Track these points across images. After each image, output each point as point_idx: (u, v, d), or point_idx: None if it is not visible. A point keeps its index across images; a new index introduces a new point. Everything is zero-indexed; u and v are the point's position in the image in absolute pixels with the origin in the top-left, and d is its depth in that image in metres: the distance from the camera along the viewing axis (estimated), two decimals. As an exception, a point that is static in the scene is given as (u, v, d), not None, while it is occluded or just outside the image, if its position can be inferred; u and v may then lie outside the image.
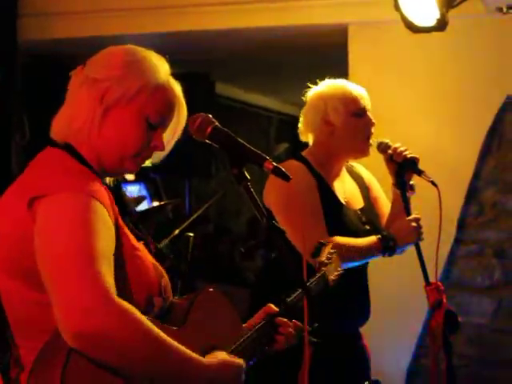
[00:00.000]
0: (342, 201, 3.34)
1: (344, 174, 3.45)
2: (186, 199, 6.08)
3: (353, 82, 3.42)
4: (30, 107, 5.73)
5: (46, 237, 1.85)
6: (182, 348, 1.89)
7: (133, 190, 6.27)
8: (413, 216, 3.29)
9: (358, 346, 3.41)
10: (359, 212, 3.38)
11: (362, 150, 3.36)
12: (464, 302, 4.51)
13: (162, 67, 2.09)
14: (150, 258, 2.05)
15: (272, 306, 2.34)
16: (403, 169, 3.31)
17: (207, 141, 2.15)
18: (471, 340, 4.50)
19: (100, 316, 1.75)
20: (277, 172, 2.05)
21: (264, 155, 2.09)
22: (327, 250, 2.73)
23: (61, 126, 2.05)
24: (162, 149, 2.11)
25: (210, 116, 2.16)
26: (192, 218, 4.65)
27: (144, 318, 1.82)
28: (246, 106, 9.02)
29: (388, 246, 3.24)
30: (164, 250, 4.19)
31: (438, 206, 3.14)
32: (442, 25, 3.94)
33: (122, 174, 2.14)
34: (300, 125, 3.41)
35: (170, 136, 2.16)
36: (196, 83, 5.40)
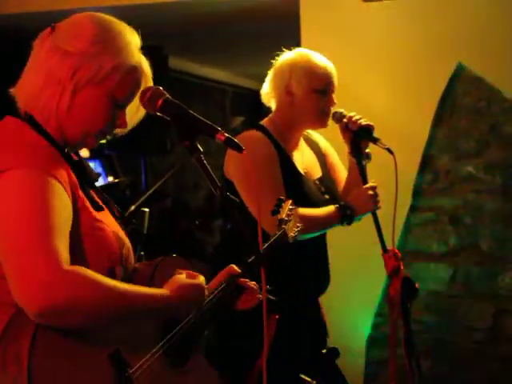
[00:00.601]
0: (302, 171, 3.34)
1: (301, 142, 3.46)
2: (143, 175, 6.05)
3: (309, 50, 3.41)
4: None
5: (1, 212, 1.84)
6: (143, 288, 1.95)
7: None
8: (369, 184, 3.31)
9: (316, 313, 3.42)
10: (318, 182, 3.39)
11: (319, 124, 3.38)
12: (420, 269, 4.54)
13: (135, 45, 2.06)
14: (112, 227, 2.05)
15: (234, 266, 2.37)
16: (358, 137, 3.32)
17: (158, 113, 2.13)
18: (428, 306, 4.54)
19: (57, 289, 1.77)
20: (229, 143, 2.04)
21: (216, 126, 2.08)
22: (286, 206, 2.74)
23: (25, 93, 2.02)
24: (125, 127, 2.11)
25: (161, 88, 2.14)
26: (148, 193, 4.62)
27: (98, 275, 1.85)
28: (200, 79, 8.97)
29: (346, 215, 3.26)
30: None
31: (393, 173, 3.16)
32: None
33: (80, 148, 2.13)
34: (264, 88, 3.40)
35: (133, 112, 2.15)
36: (149, 57, 5.35)
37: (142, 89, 2.10)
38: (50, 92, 1.99)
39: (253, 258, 2.37)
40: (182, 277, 2.08)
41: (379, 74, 4.70)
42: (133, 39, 2.06)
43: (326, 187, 3.41)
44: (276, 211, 2.72)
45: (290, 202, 2.78)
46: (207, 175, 2.05)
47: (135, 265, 2.15)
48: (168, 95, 2.12)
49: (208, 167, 2.06)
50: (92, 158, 6.35)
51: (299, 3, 4.83)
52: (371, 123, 3.31)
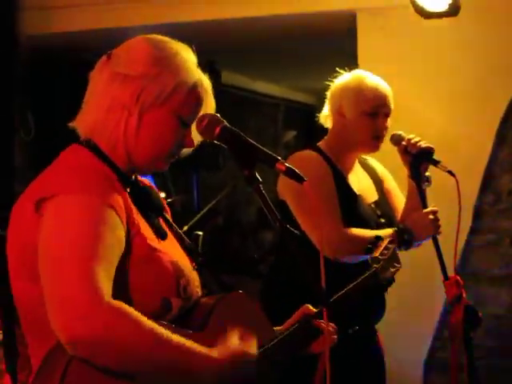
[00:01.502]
0: (357, 192, 3.27)
1: (357, 166, 3.40)
2: (195, 193, 6.01)
3: (366, 72, 3.35)
4: (35, 103, 5.65)
5: (48, 238, 1.82)
6: (186, 341, 1.84)
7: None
8: (430, 208, 3.20)
9: (373, 347, 3.32)
10: (373, 205, 3.31)
11: (370, 148, 3.32)
12: (481, 293, 4.42)
13: (192, 62, 2.03)
14: (173, 256, 1.98)
15: (309, 306, 2.25)
16: (418, 160, 3.23)
17: (216, 141, 2.07)
18: (489, 331, 4.41)
19: (94, 321, 1.72)
20: (289, 173, 1.97)
21: (276, 156, 2.01)
22: (383, 244, 2.62)
23: (88, 123, 2.00)
24: (193, 146, 2.07)
25: (218, 115, 2.08)
26: (201, 214, 4.57)
27: (139, 316, 1.78)
28: (252, 94, 8.95)
29: (404, 240, 3.15)
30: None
31: (453, 196, 3.05)
32: (454, 9, 3.84)
33: (151, 172, 2.10)
34: (324, 109, 3.38)
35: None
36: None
37: (203, 104, 2.06)
38: (116, 119, 1.97)
39: (335, 297, 2.26)
40: (233, 340, 1.96)
41: (439, 93, 4.61)
42: (189, 57, 2.03)
43: (382, 211, 3.32)
44: (369, 249, 2.62)
45: (388, 240, 2.65)
46: (266, 206, 1.99)
47: (200, 298, 2.07)
48: (225, 122, 2.06)
49: (267, 197, 2.00)
50: (144, 174, 6.33)
51: (356, 19, 4.75)
52: (431, 145, 3.21)
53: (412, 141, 3.22)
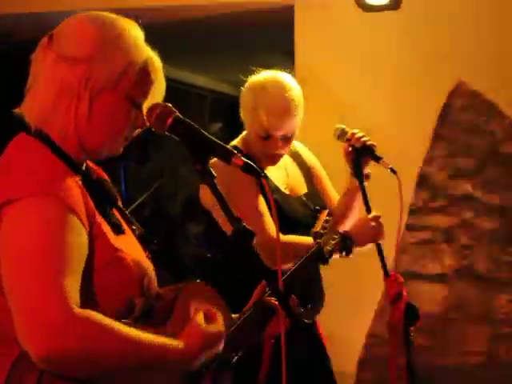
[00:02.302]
0: (283, 189, 3.18)
1: (284, 157, 3.26)
2: (122, 184, 5.89)
3: (276, 79, 3.13)
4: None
5: (9, 248, 1.73)
6: (158, 338, 1.80)
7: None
8: (373, 214, 3.15)
9: (315, 335, 3.27)
10: (304, 198, 3.23)
11: (265, 162, 3.16)
12: (415, 290, 4.43)
13: (141, 39, 1.94)
14: (133, 253, 1.91)
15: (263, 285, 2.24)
16: (361, 155, 3.18)
17: (167, 133, 1.97)
18: (421, 329, 4.42)
19: (64, 333, 1.65)
20: (247, 168, 1.89)
21: (231, 149, 1.93)
22: (322, 217, 2.58)
23: (36, 110, 1.89)
24: (145, 126, 1.97)
25: (170, 105, 1.98)
26: (133, 206, 4.47)
27: (109, 321, 1.72)
28: (179, 84, 8.85)
29: (346, 246, 3.09)
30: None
31: (390, 193, 3.02)
32: (395, 2, 3.82)
33: (103, 157, 1.98)
34: None
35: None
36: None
37: (155, 83, 1.97)
38: (65, 105, 1.87)
39: (284, 277, 2.22)
40: (200, 322, 1.91)
41: (376, 87, 4.59)
42: (138, 34, 1.94)
43: (314, 203, 3.25)
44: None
45: (326, 212, 2.62)
46: (220, 203, 1.90)
47: (159, 290, 2.01)
48: (178, 113, 1.97)
49: (221, 193, 1.92)
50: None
51: (293, 12, 4.69)
52: (374, 142, 3.17)
53: (356, 135, 3.17)
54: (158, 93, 1.99)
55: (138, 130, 1.99)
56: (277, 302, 2.10)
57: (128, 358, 1.74)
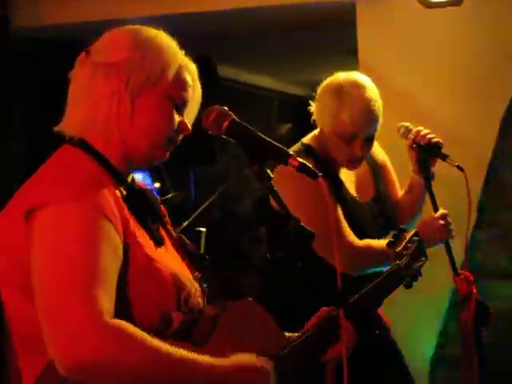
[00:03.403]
0: (352, 192, 3.14)
1: None
2: (192, 188, 5.93)
3: (358, 81, 3.07)
4: (28, 97, 5.55)
5: (41, 255, 1.70)
6: (197, 357, 1.74)
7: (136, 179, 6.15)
8: (440, 212, 3.10)
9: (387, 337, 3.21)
10: (371, 203, 3.19)
11: (345, 166, 3.11)
12: (487, 288, 4.34)
13: (174, 45, 1.94)
14: (172, 267, 1.87)
15: (326, 309, 2.14)
16: (426, 154, 3.13)
17: (224, 136, 1.97)
18: (493, 327, 4.34)
19: (93, 342, 1.62)
20: (303, 169, 1.89)
21: (287, 150, 1.92)
22: (407, 237, 2.46)
23: (77, 123, 1.89)
24: (188, 131, 1.96)
25: (226, 108, 1.99)
26: (202, 208, 4.49)
27: (142, 334, 1.68)
28: (246, 86, 8.87)
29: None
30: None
31: (456, 191, 2.98)
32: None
33: (150, 164, 1.97)
34: (312, 105, 3.16)
35: (190, 117, 2.00)
36: (198, 66, 5.26)
37: (191, 90, 1.96)
38: (106, 111, 1.86)
39: (356, 297, 2.16)
40: (246, 356, 1.84)
41: (441, 84, 4.51)
42: (169, 41, 1.95)
43: (381, 209, 3.20)
44: (392, 243, 2.47)
45: (413, 233, 2.49)
46: (279, 204, 1.91)
47: (204, 308, 1.95)
48: (234, 116, 1.97)
49: (279, 194, 1.91)
50: (140, 169, 6.25)
51: (355, 10, 4.65)
52: (439, 140, 3.12)
53: (421, 133, 3.13)
54: (196, 98, 2.00)
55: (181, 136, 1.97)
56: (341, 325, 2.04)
57: (156, 374, 1.70)
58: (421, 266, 2.49)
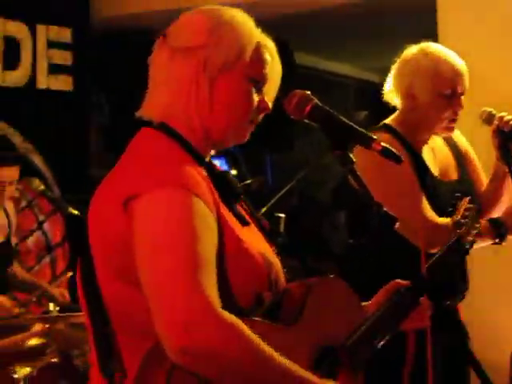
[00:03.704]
0: (435, 172, 3.11)
1: (434, 140, 3.19)
2: (269, 174, 5.94)
3: (436, 45, 3.11)
4: (109, 85, 5.63)
5: (143, 240, 1.72)
6: (292, 365, 1.74)
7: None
8: None
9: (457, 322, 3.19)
10: (454, 184, 3.15)
11: (445, 131, 3.11)
12: None
13: (251, 24, 1.93)
14: (258, 246, 1.88)
15: (399, 281, 2.14)
16: (510, 140, 3.08)
17: (306, 120, 1.98)
18: None
19: (203, 332, 1.63)
20: (387, 153, 1.88)
21: (371, 135, 1.91)
22: (463, 205, 2.47)
23: (158, 108, 1.90)
24: (269, 110, 1.95)
25: (308, 93, 1.98)
26: (280, 194, 4.49)
27: (248, 332, 1.69)
28: (322, 73, 8.84)
29: (500, 233, 3.01)
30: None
31: None
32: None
33: (230, 145, 1.97)
34: (387, 86, 3.14)
35: (270, 96, 1.98)
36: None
37: (270, 65, 1.94)
38: (186, 93, 1.87)
39: (429, 264, 2.16)
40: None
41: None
42: (247, 21, 1.93)
43: (464, 191, 3.15)
44: (451, 212, 2.48)
45: (467, 200, 2.51)
46: (361, 188, 1.90)
47: (286, 285, 1.96)
48: (316, 100, 1.97)
49: (362, 180, 1.90)
50: (217, 155, 6.29)
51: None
52: None
53: (505, 118, 3.08)
54: (275, 76, 1.98)
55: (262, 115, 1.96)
56: (418, 294, 2.11)
57: (258, 374, 1.71)
58: (476, 232, 2.51)
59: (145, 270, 1.71)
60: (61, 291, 4.05)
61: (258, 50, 1.90)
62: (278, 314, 1.88)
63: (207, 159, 1.94)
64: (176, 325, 1.63)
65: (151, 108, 1.91)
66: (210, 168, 1.93)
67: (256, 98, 1.91)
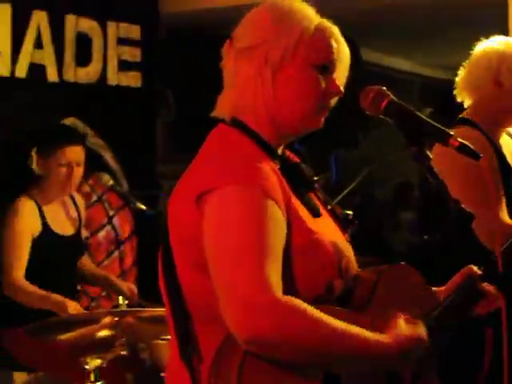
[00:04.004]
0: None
1: (504, 137, 3.20)
2: (333, 171, 5.93)
3: None
4: (176, 82, 5.68)
5: (213, 235, 1.79)
6: (361, 332, 1.77)
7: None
8: None
9: None
10: None
11: None
12: None
13: (307, 9, 1.95)
14: (330, 235, 1.91)
15: (473, 268, 2.14)
16: None
17: (381, 116, 1.98)
18: None
19: (265, 318, 1.69)
20: (464, 150, 1.88)
21: (447, 131, 1.91)
22: None
23: (228, 105, 1.95)
24: (340, 92, 1.96)
25: (384, 88, 1.99)
26: (346, 192, 4.49)
27: (312, 311, 1.73)
28: (386, 70, 8.82)
29: None
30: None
31: None
32: None
33: (303, 133, 1.99)
34: (459, 81, 3.15)
35: (341, 80, 1.99)
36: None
37: (336, 51, 1.94)
38: (252, 89, 1.91)
39: (505, 247, 2.15)
40: (401, 324, 1.86)
41: None
42: (305, 9, 1.95)
43: None
44: None
45: None
46: (438, 185, 1.90)
47: (358, 272, 1.99)
48: (392, 96, 1.97)
49: (438, 175, 1.90)
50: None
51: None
52: None
53: None
54: (344, 58, 1.98)
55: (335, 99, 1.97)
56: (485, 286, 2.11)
57: (331, 347, 1.74)
58: None
59: (212, 262, 1.78)
60: (129, 286, 4.09)
61: (318, 36, 1.92)
62: (349, 300, 1.91)
63: (279, 151, 1.97)
64: (240, 310, 1.69)
65: (223, 107, 1.97)
66: (283, 160, 1.96)
67: (323, 83, 1.93)
